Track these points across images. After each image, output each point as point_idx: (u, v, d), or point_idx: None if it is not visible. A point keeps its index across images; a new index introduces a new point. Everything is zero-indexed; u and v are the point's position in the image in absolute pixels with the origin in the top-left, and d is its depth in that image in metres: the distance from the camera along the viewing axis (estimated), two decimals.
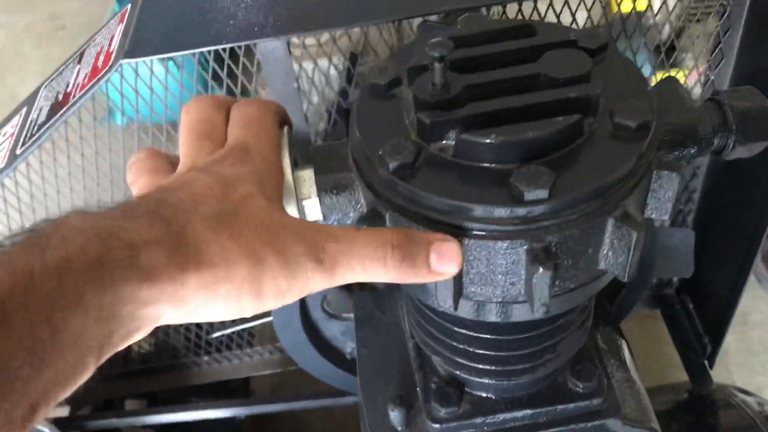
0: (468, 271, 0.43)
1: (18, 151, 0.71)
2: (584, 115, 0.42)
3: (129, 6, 0.73)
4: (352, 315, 0.87)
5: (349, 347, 0.93)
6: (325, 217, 0.47)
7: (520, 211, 0.40)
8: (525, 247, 0.41)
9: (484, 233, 0.41)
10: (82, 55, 0.76)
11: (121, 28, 0.70)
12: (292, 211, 0.47)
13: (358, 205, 0.46)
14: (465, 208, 0.41)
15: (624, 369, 0.65)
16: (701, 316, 1.11)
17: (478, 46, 0.46)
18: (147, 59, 0.64)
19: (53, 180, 1.07)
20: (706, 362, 1.10)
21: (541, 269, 0.40)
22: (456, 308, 0.45)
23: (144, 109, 2.66)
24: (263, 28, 0.64)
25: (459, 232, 0.41)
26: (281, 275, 0.38)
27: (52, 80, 0.78)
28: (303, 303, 0.86)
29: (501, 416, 0.59)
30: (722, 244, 1.01)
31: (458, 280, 0.43)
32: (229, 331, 0.97)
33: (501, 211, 0.40)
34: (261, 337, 1.14)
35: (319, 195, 0.47)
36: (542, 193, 0.39)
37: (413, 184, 0.42)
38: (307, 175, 0.47)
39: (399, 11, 0.63)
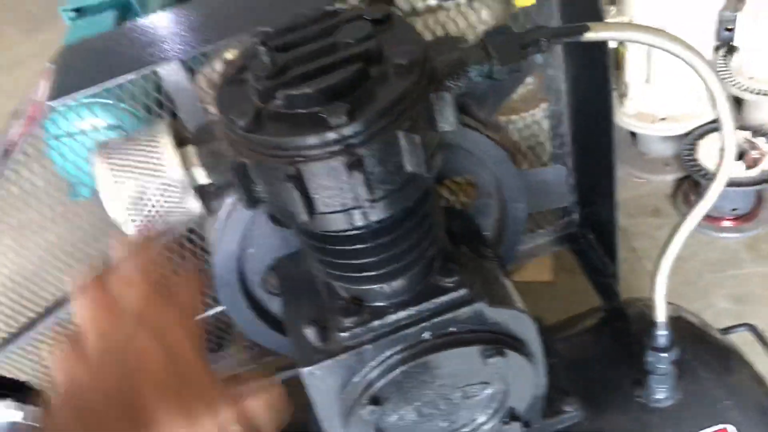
0: (311, 188, 0.60)
1: None
2: (369, 63, 0.59)
3: (49, 65, 0.89)
4: None
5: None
6: (209, 173, 0.64)
7: (331, 135, 0.57)
8: (343, 160, 0.58)
9: (314, 156, 0.58)
10: (17, 112, 0.92)
11: (44, 83, 0.86)
12: (182, 180, 0.63)
13: (228, 163, 0.63)
14: (297, 142, 0.58)
15: (486, 270, 0.81)
16: (599, 242, 1.29)
17: (293, 32, 0.63)
18: (68, 99, 0.80)
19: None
20: (611, 281, 1.27)
21: (355, 173, 0.57)
22: (311, 219, 0.61)
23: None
24: (159, 54, 0.81)
25: (298, 161, 0.58)
26: None
27: None
28: (245, 285, 1.02)
29: (392, 317, 0.75)
30: (594, 177, 1.19)
31: (306, 196, 0.60)
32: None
33: (318, 138, 0.57)
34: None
35: (201, 161, 0.63)
36: (342, 120, 0.56)
37: (259, 134, 0.59)
38: (190, 150, 0.64)
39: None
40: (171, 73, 0.90)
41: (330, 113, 0.56)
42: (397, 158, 0.60)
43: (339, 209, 0.62)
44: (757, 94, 1.95)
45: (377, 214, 0.63)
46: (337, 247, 0.70)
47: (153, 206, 0.63)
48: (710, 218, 2.01)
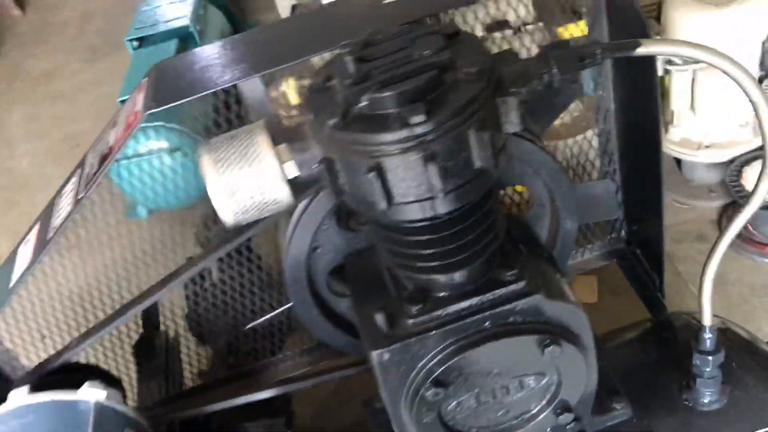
0: (389, 180, 0.67)
1: (80, 196, 0.97)
2: (442, 71, 0.67)
3: (145, 80, 0.99)
4: None
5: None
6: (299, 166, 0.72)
7: (410, 132, 0.65)
8: (420, 154, 0.65)
9: (394, 151, 0.66)
10: (115, 122, 1.02)
11: (142, 95, 0.96)
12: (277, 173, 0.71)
13: (316, 158, 0.71)
14: (380, 138, 0.66)
15: (543, 268, 0.88)
16: (646, 257, 1.34)
17: (373, 45, 0.71)
18: (156, 124, 0.89)
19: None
20: (658, 294, 1.32)
21: (430, 166, 0.64)
22: (389, 209, 0.69)
23: (160, 200, 2.93)
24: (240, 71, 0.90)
25: (380, 155, 0.66)
26: None
27: (95, 147, 1.05)
28: (312, 286, 1.10)
29: (455, 307, 0.82)
30: (642, 194, 1.25)
31: (386, 187, 0.67)
32: (263, 319, 1.19)
33: (399, 134, 0.65)
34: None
35: (293, 158, 0.72)
36: (421, 118, 0.64)
37: (346, 132, 0.67)
38: (282, 147, 0.72)
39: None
40: (251, 87, 1.00)
41: (409, 113, 0.64)
42: (467, 154, 0.67)
43: (414, 200, 0.69)
44: None
45: (447, 205, 0.70)
46: (407, 238, 0.78)
47: (251, 196, 0.71)
48: (755, 243, 2.04)
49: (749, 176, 2.03)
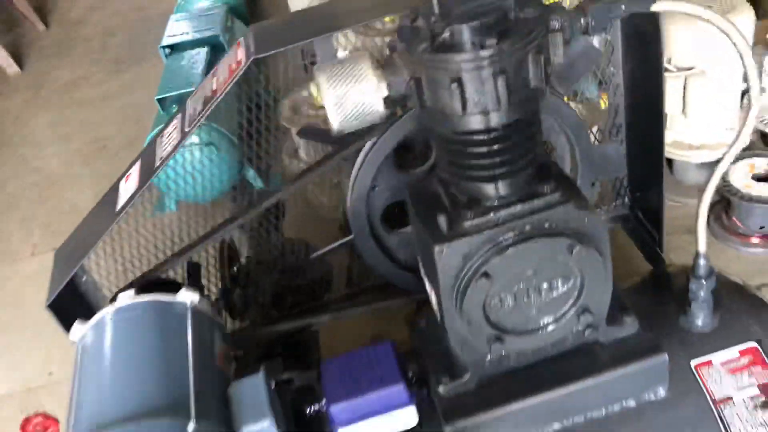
0: (466, 90, 0.88)
1: (186, 129, 1.17)
2: (508, 11, 0.89)
3: (242, 39, 1.20)
4: (403, 230, 1.32)
5: (401, 254, 1.36)
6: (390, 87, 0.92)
7: (485, 52, 0.86)
8: (491, 70, 0.87)
9: (471, 66, 0.87)
10: (214, 72, 1.23)
11: (241, 49, 1.17)
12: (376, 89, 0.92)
13: (405, 80, 0.92)
14: (462, 57, 0.87)
15: (571, 185, 1.08)
16: (647, 218, 1.55)
17: None
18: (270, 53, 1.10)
19: None
20: (658, 249, 1.53)
21: (500, 79, 0.86)
22: (463, 116, 0.90)
23: (189, 190, 3.16)
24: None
25: (460, 68, 0.87)
26: None
27: (194, 96, 1.25)
28: (371, 223, 1.30)
29: (503, 212, 1.03)
30: (645, 162, 1.46)
31: (462, 95, 0.88)
32: (326, 249, 1.38)
33: (476, 54, 0.86)
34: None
35: (387, 79, 0.93)
36: (493, 42, 0.85)
37: (434, 54, 0.88)
38: (379, 72, 0.93)
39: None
40: (324, 46, 1.21)
41: (481, 36, 0.86)
42: (525, 74, 0.89)
43: (481, 110, 0.90)
44: None
45: (508, 116, 0.91)
46: (468, 150, 0.98)
47: (355, 107, 0.92)
48: (739, 235, 2.25)
49: (735, 174, 2.26)
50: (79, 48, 4.70)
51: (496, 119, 0.91)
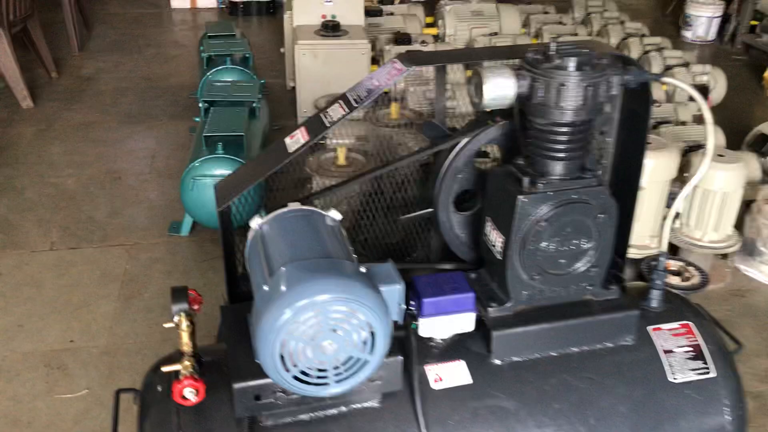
0: (567, 93, 1.53)
1: (354, 105, 1.76)
2: (590, 55, 1.57)
3: (396, 59, 1.82)
4: (465, 213, 1.92)
5: (458, 230, 1.94)
6: (519, 85, 1.57)
7: (581, 73, 1.52)
8: (586, 83, 1.52)
9: (573, 79, 1.52)
10: (370, 77, 1.83)
11: (395, 64, 1.79)
12: (512, 83, 1.57)
13: (528, 81, 1.56)
14: (568, 72, 1.52)
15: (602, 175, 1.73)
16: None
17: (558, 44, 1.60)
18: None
19: None
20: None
21: (589, 90, 1.52)
22: (559, 109, 1.54)
23: (211, 219, 3.80)
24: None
25: (568, 77, 1.52)
26: None
27: (351, 90, 1.85)
28: (446, 203, 1.89)
29: (564, 183, 1.65)
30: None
31: (562, 96, 1.53)
32: (413, 215, 1.93)
33: (577, 72, 1.52)
34: None
35: (517, 80, 1.57)
36: (588, 68, 1.52)
37: (551, 67, 1.54)
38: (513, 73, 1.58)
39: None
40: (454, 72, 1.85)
41: (581, 66, 1.52)
42: (598, 91, 1.55)
43: (574, 107, 1.55)
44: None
45: (587, 115, 1.56)
46: (551, 136, 1.61)
47: (496, 91, 1.54)
48: None
49: None
50: (90, 99, 5.20)
51: (581, 114, 1.56)
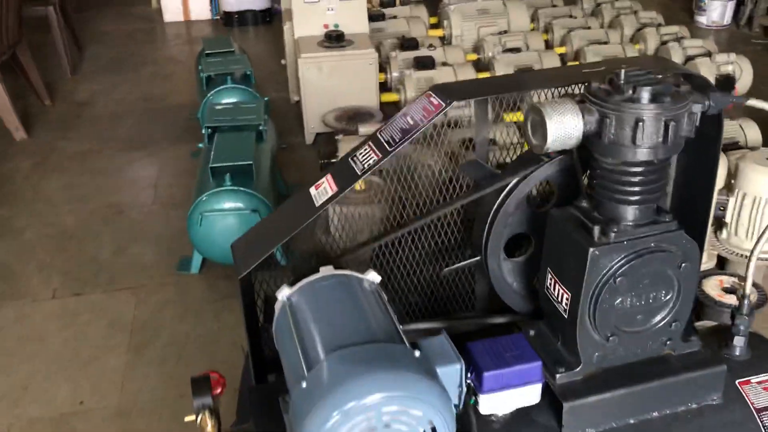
0: (644, 129, 1.29)
1: (389, 150, 1.52)
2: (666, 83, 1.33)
3: (430, 93, 1.59)
4: (515, 259, 1.68)
5: (509, 278, 1.71)
6: (585, 123, 1.33)
7: (660, 107, 1.29)
8: (663, 117, 1.29)
9: (652, 114, 1.29)
10: (404, 113, 1.60)
11: (431, 98, 1.56)
12: (577, 123, 1.33)
13: (597, 119, 1.33)
14: (646, 106, 1.29)
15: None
16: None
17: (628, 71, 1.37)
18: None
19: None
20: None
21: (670, 125, 1.28)
22: (635, 147, 1.30)
23: (225, 254, 3.47)
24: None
25: (642, 114, 1.29)
26: None
27: (383, 130, 1.61)
28: (496, 250, 1.66)
29: (636, 231, 1.41)
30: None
31: (638, 133, 1.29)
32: (458, 265, 1.70)
33: (654, 106, 1.29)
34: None
35: (583, 117, 1.33)
36: (668, 99, 1.29)
37: (624, 102, 1.30)
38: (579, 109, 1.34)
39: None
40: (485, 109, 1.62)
41: (660, 98, 1.28)
42: (678, 125, 1.31)
43: (650, 146, 1.31)
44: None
45: (666, 153, 1.32)
46: (622, 178, 1.38)
47: (560, 132, 1.31)
48: None
49: (706, 287, 2.76)
50: (86, 126, 4.96)
51: (657, 154, 1.32)
